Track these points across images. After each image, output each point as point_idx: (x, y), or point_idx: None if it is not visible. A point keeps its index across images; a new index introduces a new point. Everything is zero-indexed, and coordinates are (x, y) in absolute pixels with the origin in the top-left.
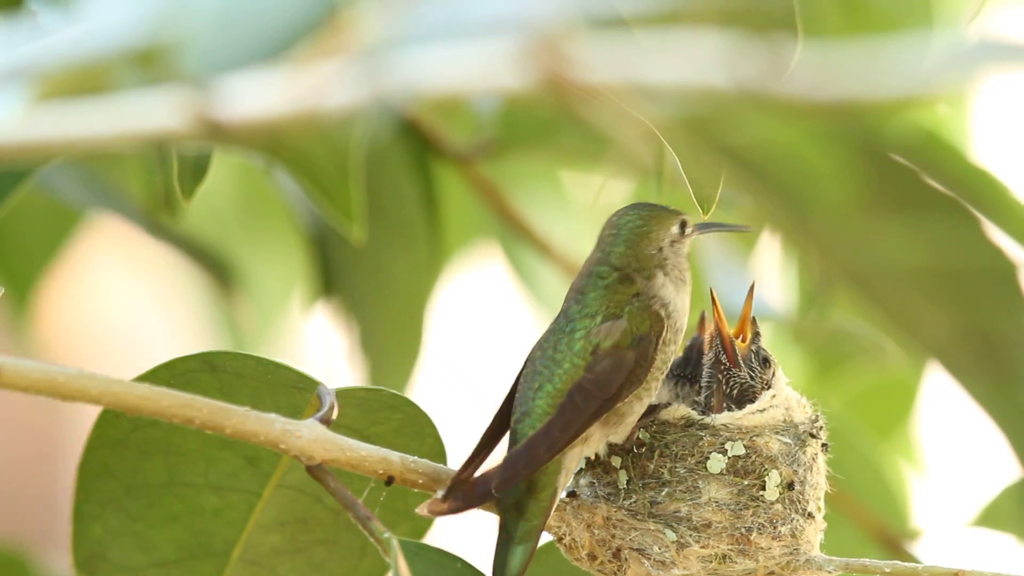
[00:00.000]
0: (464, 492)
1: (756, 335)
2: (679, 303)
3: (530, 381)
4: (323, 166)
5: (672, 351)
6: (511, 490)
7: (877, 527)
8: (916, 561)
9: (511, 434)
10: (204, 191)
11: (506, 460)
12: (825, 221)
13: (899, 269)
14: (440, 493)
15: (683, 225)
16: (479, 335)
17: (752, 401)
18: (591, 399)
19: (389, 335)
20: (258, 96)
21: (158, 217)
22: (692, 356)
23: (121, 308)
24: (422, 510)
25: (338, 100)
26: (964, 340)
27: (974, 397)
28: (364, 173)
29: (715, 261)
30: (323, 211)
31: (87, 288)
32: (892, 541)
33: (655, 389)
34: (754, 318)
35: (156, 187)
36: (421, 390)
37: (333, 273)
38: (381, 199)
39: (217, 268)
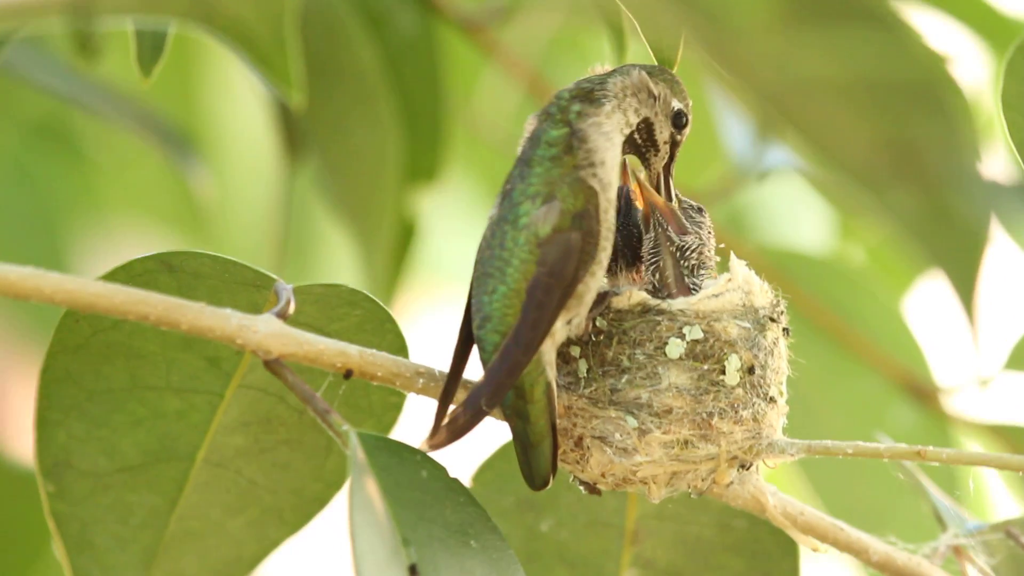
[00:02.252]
0: (456, 416)
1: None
2: (611, 158)
3: (483, 284)
4: (259, 33)
5: (612, 216)
6: (506, 400)
7: (904, 378)
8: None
9: (477, 342)
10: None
11: (487, 373)
12: (745, 38)
13: (820, 83)
14: (433, 425)
15: (682, 117)
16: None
17: (710, 260)
18: (552, 291)
19: (363, 212)
20: None
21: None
22: (620, 205)
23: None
24: (423, 446)
25: None
26: (886, 151)
27: (898, 217)
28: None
29: (732, 119)
30: (263, 77)
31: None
32: (920, 391)
33: (606, 260)
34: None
35: (79, 36)
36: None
37: (301, 141)
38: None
39: (176, 141)
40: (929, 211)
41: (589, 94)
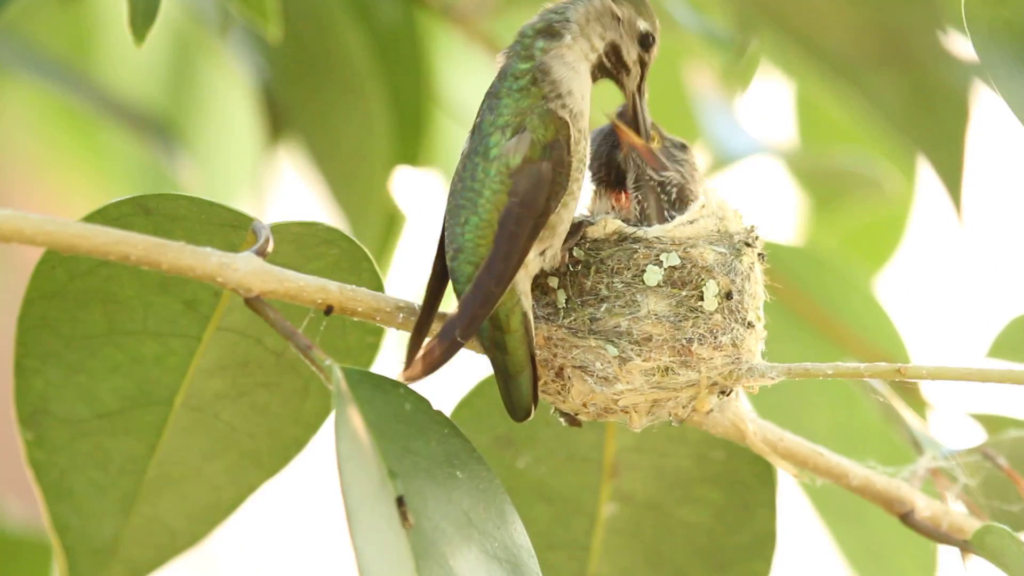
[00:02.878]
0: (432, 349)
1: (656, 129)
2: (578, 87)
3: (455, 216)
4: None
5: (584, 147)
6: (483, 332)
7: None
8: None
9: (451, 274)
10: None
11: (461, 304)
12: None
13: None
14: (410, 358)
15: (648, 39)
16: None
17: (693, 196)
18: (523, 222)
19: (348, 194)
20: None
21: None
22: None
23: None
24: (400, 377)
25: None
26: (869, 37)
27: (880, 103)
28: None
29: (709, 103)
30: (240, 12)
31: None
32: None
33: (578, 191)
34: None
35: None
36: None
37: (283, 126)
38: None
39: (153, 126)
40: (911, 94)
41: (550, 28)
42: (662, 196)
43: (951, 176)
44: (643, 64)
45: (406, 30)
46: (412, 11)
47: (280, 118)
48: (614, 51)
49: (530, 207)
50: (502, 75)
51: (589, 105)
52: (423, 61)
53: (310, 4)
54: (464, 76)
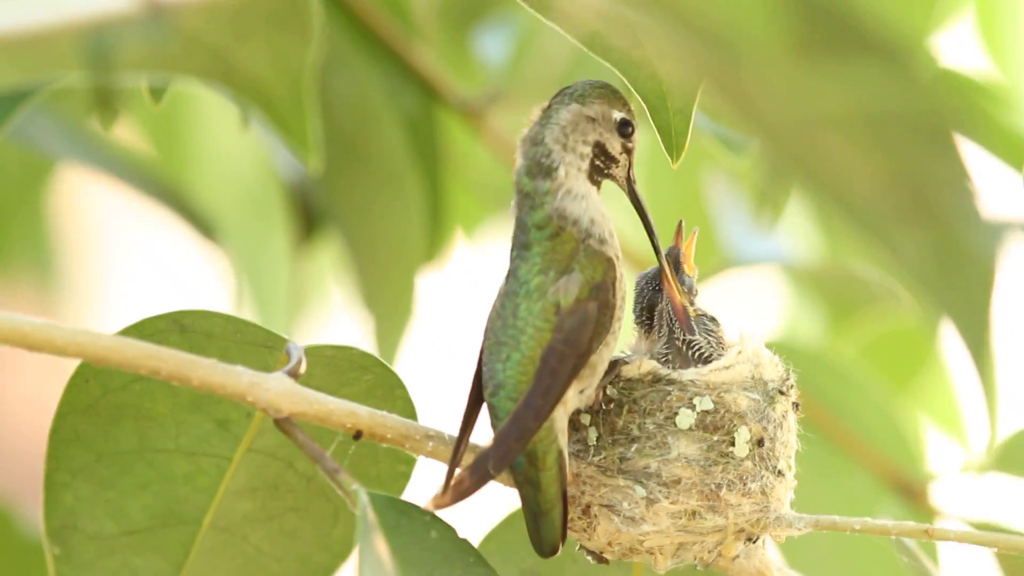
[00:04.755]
0: (462, 479)
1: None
2: (598, 214)
3: (496, 353)
4: (277, 93)
5: (624, 285)
6: (517, 467)
7: (893, 475)
8: (932, 508)
9: (489, 409)
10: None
11: (497, 437)
12: (755, 70)
13: (830, 119)
14: (440, 487)
15: (627, 126)
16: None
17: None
18: (566, 359)
19: (383, 289)
20: None
21: (101, 121)
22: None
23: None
24: (428, 506)
25: None
26: (898, 189)
27: (905, 260)
28: (357, 123)
29: (725, 210)
30: (280, 140)
31: (68, 238)
32: (908, 489)
33: (619, 331)
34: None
35: (98, 83)
36: (412, 353)
37: (318, 224)
38: (375, 149)
39: (198, 219)
40: (936, 252)
41: (539, 165)
42: (688, 352)
43: (975, 340)
44: (628, 151)
45: (425, 124)
46: (431, 105)
47: (314, 213)
48: (600, 150)
49: (574, 345)
50: (523, 226)
51: (610, 219)
52: (445, 154)
53: (349, 95)
54: (476, 169)
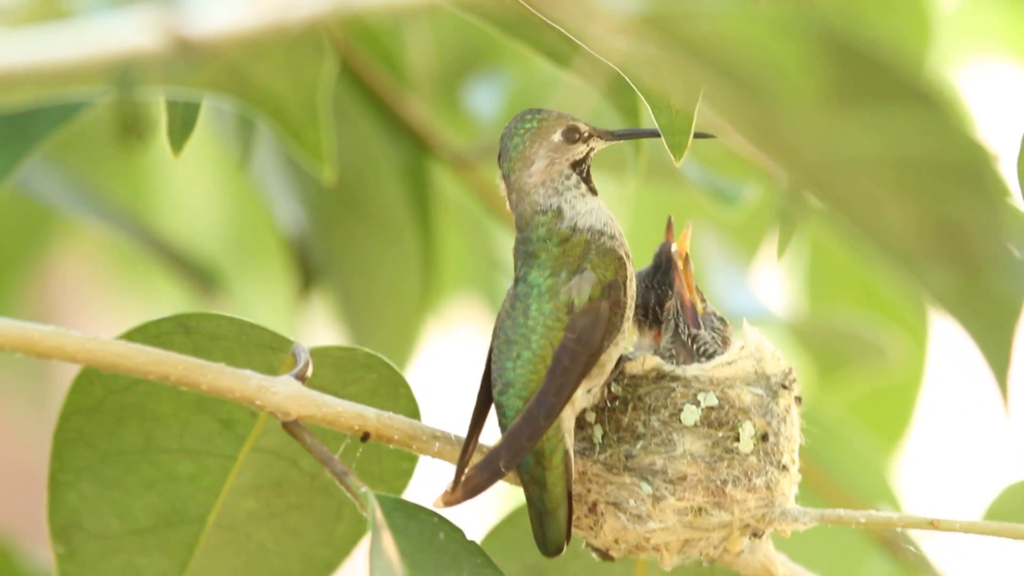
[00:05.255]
0: (472, 475)
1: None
2: (601, 209)
3: (506, 351)
4: (291, 106)
5: (634, 284)
6: (524, 466)
7: (881, 530)
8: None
9: (497, 408)
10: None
11: (509, 434)
12: (790, 115)
13: (863, 163)
14: (449, 484)
15: (571, 131)
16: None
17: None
18: (578, 358)
19: (380, 339)
20: (225, 11)
21: (126, 148)
22: (661, 263)
23: (101, 311)
24: (437, 503)
25: (303, 12)
26: (930, 232)
27: (936, 295)
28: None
29: (714, 262)
30: (294, 153)
31: (65, 288)
32: (896, 544)
33: (628, 330)
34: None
35: (124, 112)
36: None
37: (316, 274)
38: (373, 201)
39: (198, 272)
40: (966, 291)
41: (538, 207)
42: (692, 346)
43: (1000, 371)
44: (587, 140)
45: (420, 175)
46: (423, 157)
47: (311, 264)
48: (575, 164)
49: (586, 344)
50: (527, 241)
51: (618, 223)
52: (438, 205)
53: (344, 146)
54: (467, 219)
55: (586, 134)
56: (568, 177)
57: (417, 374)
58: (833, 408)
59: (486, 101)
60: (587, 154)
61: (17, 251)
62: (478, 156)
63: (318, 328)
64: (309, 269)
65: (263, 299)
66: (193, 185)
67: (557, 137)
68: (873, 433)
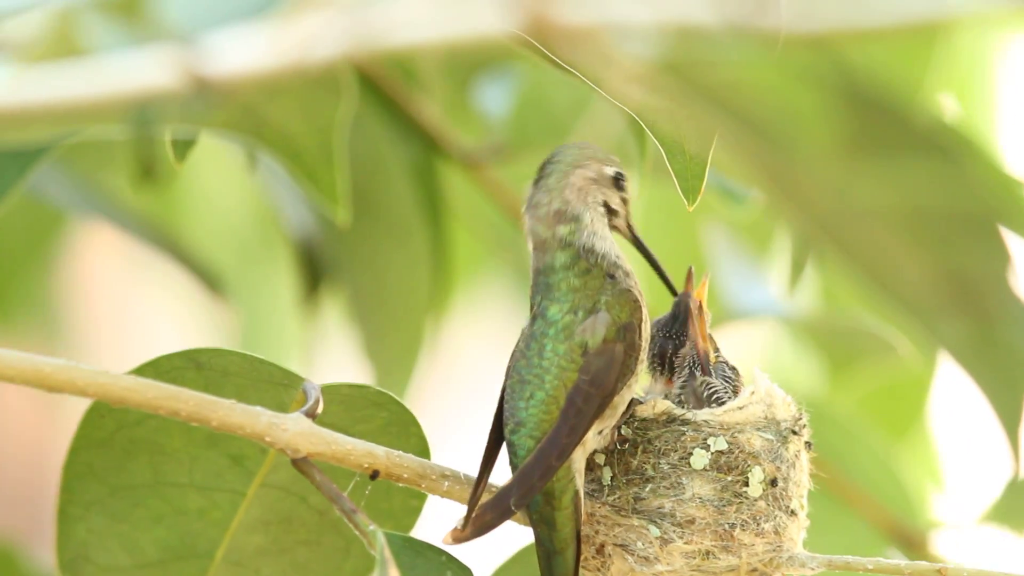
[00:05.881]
0: (483, 513)
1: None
2: (617, 249)
3: (519, 391)
4: (307, 147)
5: (648, 327)
6: (534, 505)
7: (892, 526)
8: (933, 558)
9: (508, 447)
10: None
11: (520, 473)
12: (806, 164)
13: (878, 213)
14: (459, 521)
15: (622, 178)
16: (488, 347)
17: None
18: (591, 399)
19: (389, 340)
20: (243, 50)
21: (144, 186)
22: (680, 313)
23: (111, 311)
24: (446, 540)
25: (323, 53)
26: (943, 284)
27: (948, 347)
28: (364, 175)
29: (725, 259)
30: (308, 194)
31: (75, 291)
32: (908, 539)
33: (641, 373)
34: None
35: (141, 152)
36: (420, 394)
37: (324, 277)
38: (383, 201)
39: (206, 274)
40: (979, 343)
41: (561, 216)
42: (704, 397)
43: (1011, 424)
44: (625, 202)
45: (430, 175)
46: (434, 157)
47: (320, 265)
48: (607, 208)
49: (600, 386)
50: (546, 271)
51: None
52: (448, 205)
53: (355, 146)
54: (478, 219)
55: (627, 196)
56: (600, 204)
57: (423, 375)
58: (844, 404)
59: (496, 100)
60: (616, 209)
61: (25, 253)
62: (488, 156)
63: (327, 328)
64: (318, 270)
65: (271, 301)
66: (201, 187)
67: (609, 171)
68: (884, 429)
